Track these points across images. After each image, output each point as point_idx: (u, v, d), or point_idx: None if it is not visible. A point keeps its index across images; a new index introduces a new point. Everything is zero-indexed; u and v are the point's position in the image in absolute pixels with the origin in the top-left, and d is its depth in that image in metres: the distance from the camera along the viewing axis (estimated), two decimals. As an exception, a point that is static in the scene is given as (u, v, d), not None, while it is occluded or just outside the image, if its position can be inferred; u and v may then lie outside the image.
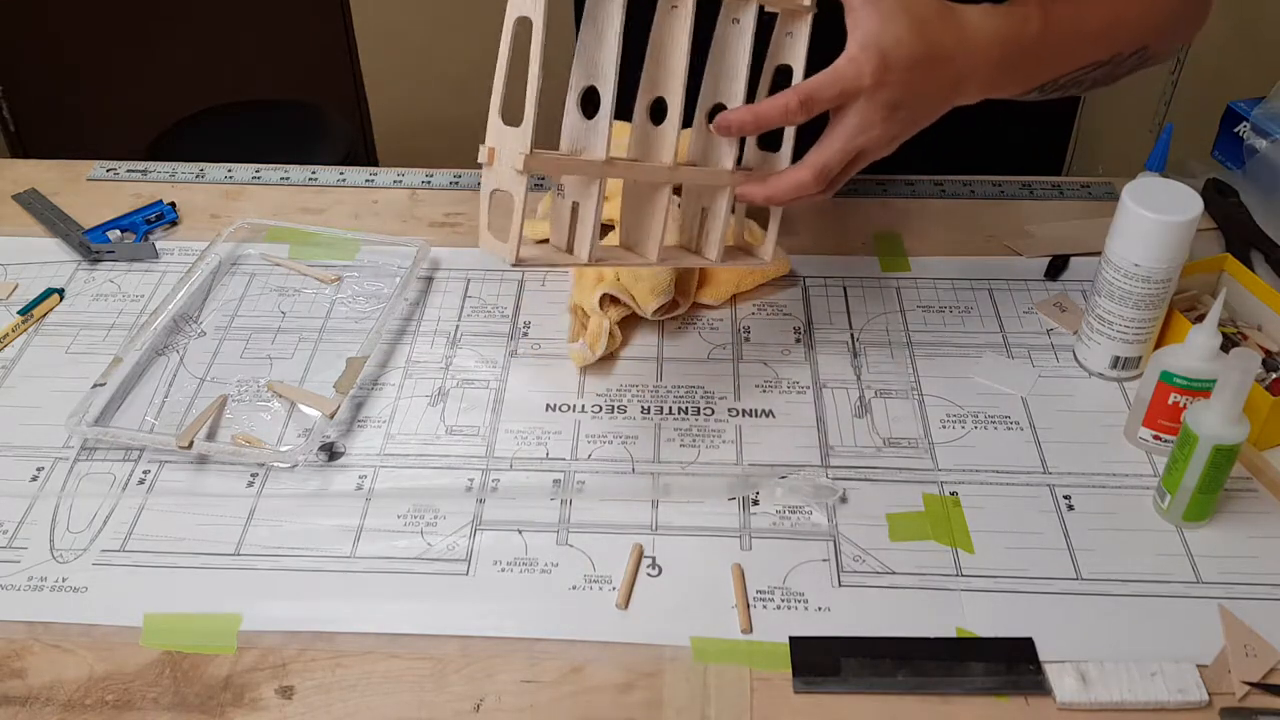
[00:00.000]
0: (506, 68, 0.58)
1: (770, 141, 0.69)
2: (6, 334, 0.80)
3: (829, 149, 0.63)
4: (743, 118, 0.62)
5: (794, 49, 0.67)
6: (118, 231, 0.90)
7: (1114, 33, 0.73)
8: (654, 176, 0.64)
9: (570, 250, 0.63)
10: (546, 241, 0.66)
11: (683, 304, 0.81)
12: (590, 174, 0.61)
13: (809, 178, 0.63)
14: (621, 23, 0.59)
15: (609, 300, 0.78)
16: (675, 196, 0.68)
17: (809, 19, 0.66)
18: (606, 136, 0.60)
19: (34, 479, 0.70)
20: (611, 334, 0.77)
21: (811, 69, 0.64)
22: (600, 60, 0.60)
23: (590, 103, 0.61)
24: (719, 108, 0.66)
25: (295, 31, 2.18)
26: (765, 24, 0.67)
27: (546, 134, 0.59)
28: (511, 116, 0.59)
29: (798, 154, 0.67)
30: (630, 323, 0.80)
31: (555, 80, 0.61)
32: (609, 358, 0.78)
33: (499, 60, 0.58)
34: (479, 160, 0.60)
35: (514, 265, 0.59)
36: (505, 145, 0.58)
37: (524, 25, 0.57)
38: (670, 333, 0.80)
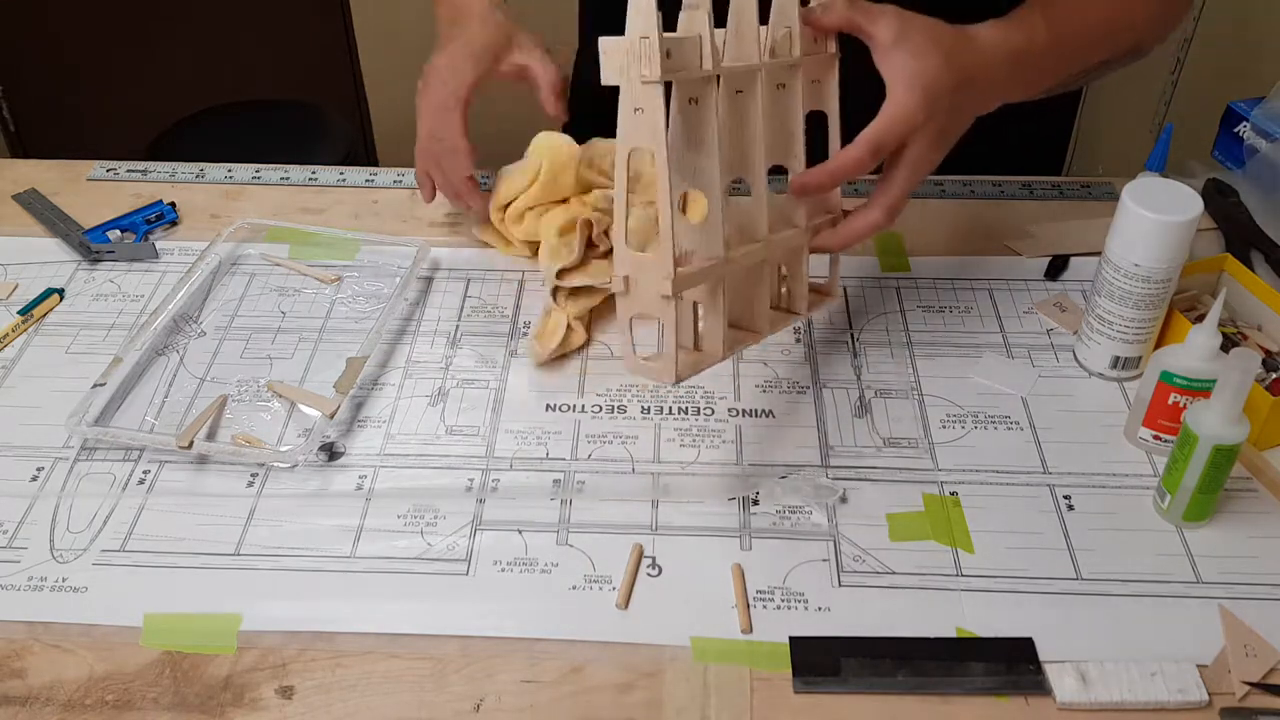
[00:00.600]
0: (626, 198, 0.60)
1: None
2: (6, 334, 0.80)
3: (896, 187, 0.66)
4: (820, 179, 0.66)
5: (824, 94, 0.69)
6: (118, 231, 0.90)
7: (1112, 36, 0.76)
8: (759, 256, 0.66)
9: (698, 347, 0.66)
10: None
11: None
12: (719, 276, 0.63)
13: (882, 219, 0.67)
14: (716, 131, 0.61)
15: (566, 294, 0.79)
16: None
17: (836, 64, 0.69)
18: (722, 236, 0.62)
19: (34, 479, 0.70)
20: (571, 329, 0.77)
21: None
22: (702, 166, 0.62)
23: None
24: (777, 169, 0.68)
25: (295, 31, 2.18)
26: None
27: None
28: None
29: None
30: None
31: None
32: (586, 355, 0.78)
33: (618, 193, 0.60)
34: (614, 289, 0.62)
35: (675, 384, 0.65)
36: (642, 273, 0.60)
37: (640, 155, 0.59)
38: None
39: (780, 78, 0.67)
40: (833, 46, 0.69)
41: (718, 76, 0.61)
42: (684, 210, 0.66)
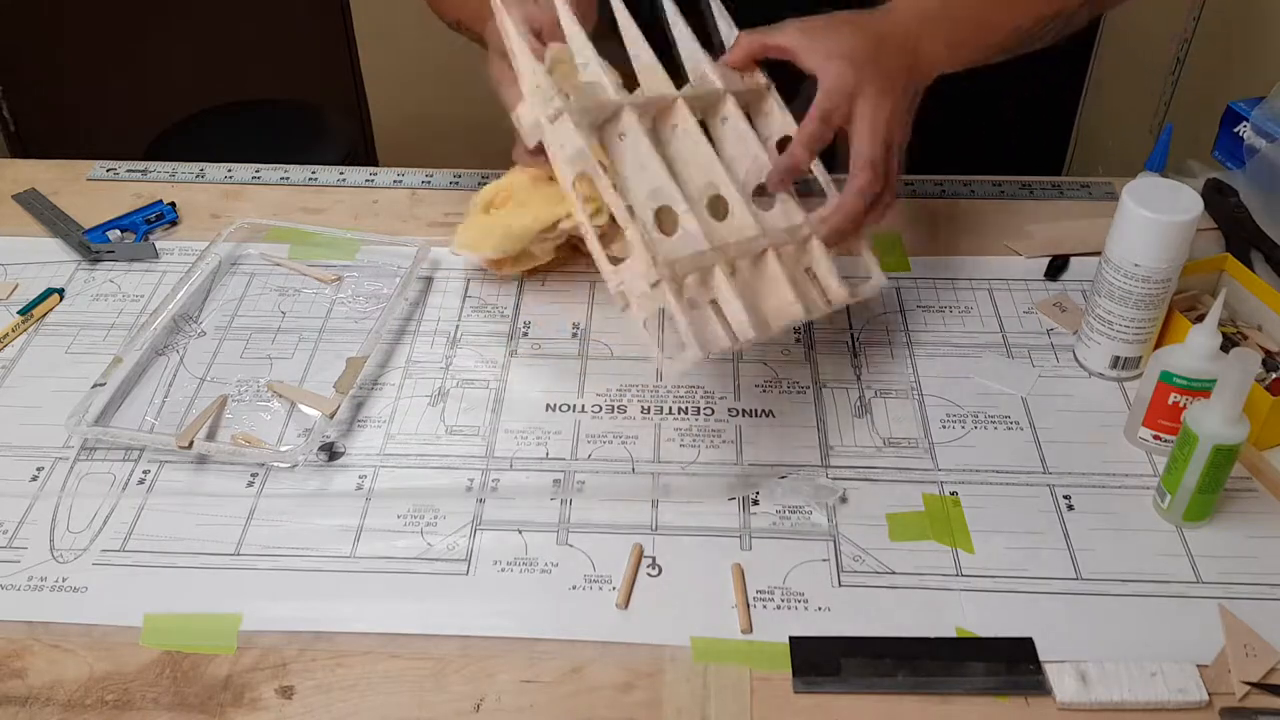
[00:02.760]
0: (590, 224, 0.66)
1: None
2: (6, 334, 0.80)
3: (864, 143, 0.68)
4: (788, 163, 0.69)
5: (777, 119, 0.74)
6: (118, 231, 0.90)
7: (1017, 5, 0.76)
8: (755, 241, 0.66)
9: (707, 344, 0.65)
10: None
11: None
12: (708, 264, 0.64)
13: (866, 176, 0.68)
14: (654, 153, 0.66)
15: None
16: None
17: (773, 92, 0.73)
18: (701, 235, 0.64)
19: (34, 479, 0.70)
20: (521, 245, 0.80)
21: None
22: (659, 186, 0.66)
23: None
24: (759, 188, 0.70)
25: (295, 31, 2.18)
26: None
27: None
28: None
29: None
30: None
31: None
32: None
33: (580, 219, 0.66)
34: (620, 308, 0.63)
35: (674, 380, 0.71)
36: (629, 278, 0.62)
37: (585, 178, 0.64)
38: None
39: (720, 113, 0.71)
40: (761, 78, 0.73)
41: (631, 111, 0.66)
42: (662, 229, 0.67)
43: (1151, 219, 0.68)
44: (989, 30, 0.75)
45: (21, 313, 0.82)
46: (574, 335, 0.80)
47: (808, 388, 0.76)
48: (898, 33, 0.70)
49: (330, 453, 0.71)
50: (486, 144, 0.87)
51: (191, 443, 0.70)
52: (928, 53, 0.71)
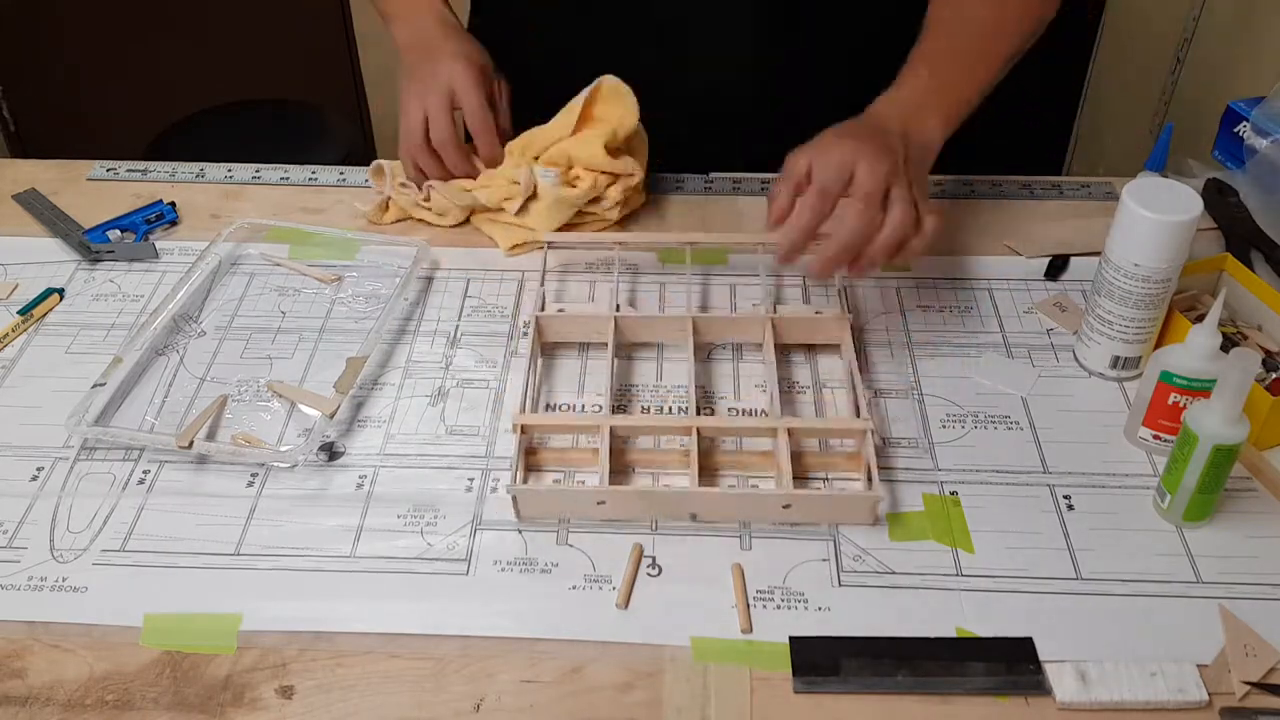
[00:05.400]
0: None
1: None
2: (6, 334, 0.80)
3: (860, 185, 0.70)
4: (790, 239, 0.71)
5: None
6: (118, 231, 0.90)
7: (999, 43, 0.81)
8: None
9: None
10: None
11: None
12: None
13: (859, 206, 0.69)
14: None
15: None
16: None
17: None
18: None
19: (34, 479, 0.70)
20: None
21: None
22: None
23: None
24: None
25: (295, 31, 2.18)
26: None
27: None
28: None
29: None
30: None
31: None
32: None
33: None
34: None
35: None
36: None
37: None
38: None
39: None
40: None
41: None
42: None
43: (1151, 219, 0.68)
44: (977, 81, 0.79)
45: (21, 313, 0.82)
46: (574, 335, 0.80)
47: (808, 388, 0.76)
48: (892, 125, 0.74)
49: (330, 453, 0.71)
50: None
51: (191, 443, 0.70)
52: (924, 130, 0.75)
